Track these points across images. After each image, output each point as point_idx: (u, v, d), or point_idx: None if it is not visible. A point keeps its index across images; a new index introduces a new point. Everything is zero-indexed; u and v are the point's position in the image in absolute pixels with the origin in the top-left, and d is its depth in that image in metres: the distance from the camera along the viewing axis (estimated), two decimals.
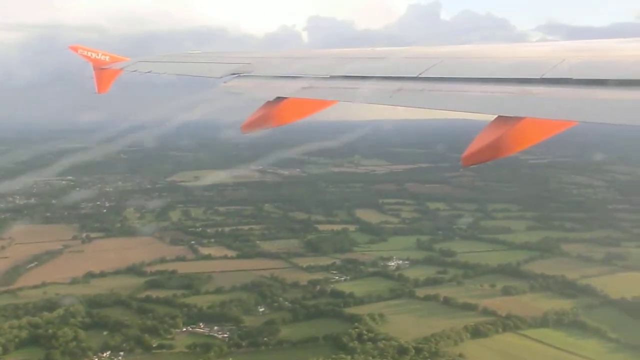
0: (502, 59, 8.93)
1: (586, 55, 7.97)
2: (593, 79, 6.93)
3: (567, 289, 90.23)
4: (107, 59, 18.50)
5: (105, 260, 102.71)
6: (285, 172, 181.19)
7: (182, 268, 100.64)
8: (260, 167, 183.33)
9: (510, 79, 7.80)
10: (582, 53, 8.14)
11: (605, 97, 6.55)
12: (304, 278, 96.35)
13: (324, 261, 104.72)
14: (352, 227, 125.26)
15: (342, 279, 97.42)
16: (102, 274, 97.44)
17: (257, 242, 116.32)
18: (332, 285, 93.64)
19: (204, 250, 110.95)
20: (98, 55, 18.58)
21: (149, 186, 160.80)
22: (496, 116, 7.35)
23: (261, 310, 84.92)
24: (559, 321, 79.44)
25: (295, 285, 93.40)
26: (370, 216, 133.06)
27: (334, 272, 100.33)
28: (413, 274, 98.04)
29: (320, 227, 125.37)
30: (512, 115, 7.19)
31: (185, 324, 79.65)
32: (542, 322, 79.07)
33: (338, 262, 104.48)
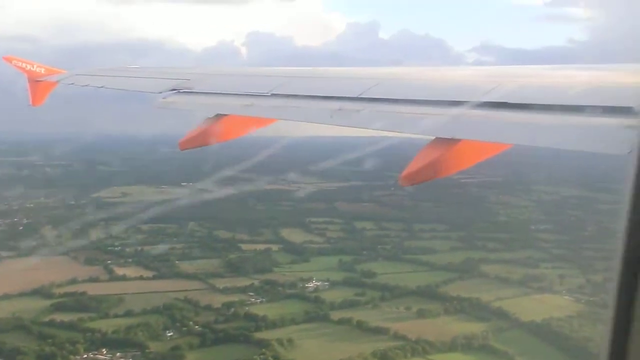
0: (440, 82, 9.41)
1: (521, 81, 8.37)
2: (527, 103, 7.37)
3: (480, 311, 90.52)
4: (42, 71, 18.01)
5: (12, 282, 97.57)
6: (216, 189, 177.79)
7: (93, 289, 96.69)
8: (191, 184, 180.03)
9: (449, 101, 8.08)
10: (517, 78, 8.54)
11: (538, 121, 7.05)
12: (218, 300, 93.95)
13: (243, 282, 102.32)
14: (275, 247, 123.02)
15: (258, 301, 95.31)
16: (6, 296, 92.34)
17: (177, 262, 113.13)
18: (246, 308, 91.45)
19: (120, 271, 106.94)
20: (33, 67, 18.08)
21: (72, 202, 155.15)
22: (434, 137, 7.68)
23: (169, 334, 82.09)
24: (468, 345, 79.37)
25: (208, 307, 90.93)
26: (295, 235, 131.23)
27: (251, 293, 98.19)
28: (331, 295, 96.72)
29: (244, 246, 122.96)
30: (449, 137, 7.49)
31: (86, 350, 76.16)
32: (451, 346, 78.87)
33: (257, 283, 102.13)
